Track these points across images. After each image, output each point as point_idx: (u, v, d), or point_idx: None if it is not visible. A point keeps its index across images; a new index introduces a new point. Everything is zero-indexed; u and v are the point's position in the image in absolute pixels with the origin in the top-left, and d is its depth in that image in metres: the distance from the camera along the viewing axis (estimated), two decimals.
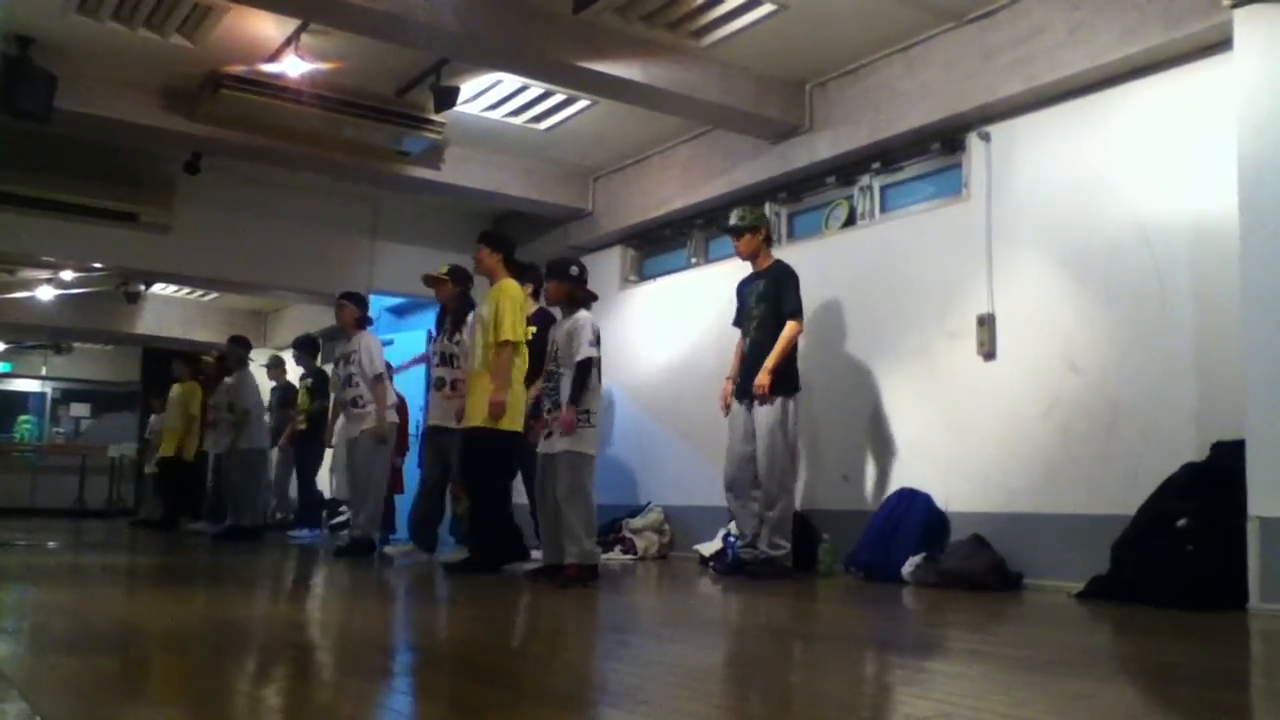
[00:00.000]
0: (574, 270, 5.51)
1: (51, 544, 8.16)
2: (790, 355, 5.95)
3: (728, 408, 6.13)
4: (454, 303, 6.61)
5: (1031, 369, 5.61)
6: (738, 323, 6.29)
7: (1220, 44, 4.77)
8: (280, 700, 2.29)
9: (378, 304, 10.67)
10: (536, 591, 4.86)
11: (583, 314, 5.39)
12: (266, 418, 9.75)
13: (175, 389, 10.84)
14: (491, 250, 5.89)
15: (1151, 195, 5.18)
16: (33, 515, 13.66)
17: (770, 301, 6.02)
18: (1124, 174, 5.31)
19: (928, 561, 5.49)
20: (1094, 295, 5.39)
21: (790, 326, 5.93)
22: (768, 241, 6.32)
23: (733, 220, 6.29)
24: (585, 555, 5.15)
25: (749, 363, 6.02)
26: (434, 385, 6.61)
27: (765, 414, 5.86)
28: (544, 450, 5.32)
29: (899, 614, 4.60)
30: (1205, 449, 4.69)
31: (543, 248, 9.46)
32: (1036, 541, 5.39)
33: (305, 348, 9.90)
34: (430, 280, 6.70)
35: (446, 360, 6.55)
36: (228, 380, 9.53)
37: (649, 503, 7.88)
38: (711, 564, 6.57)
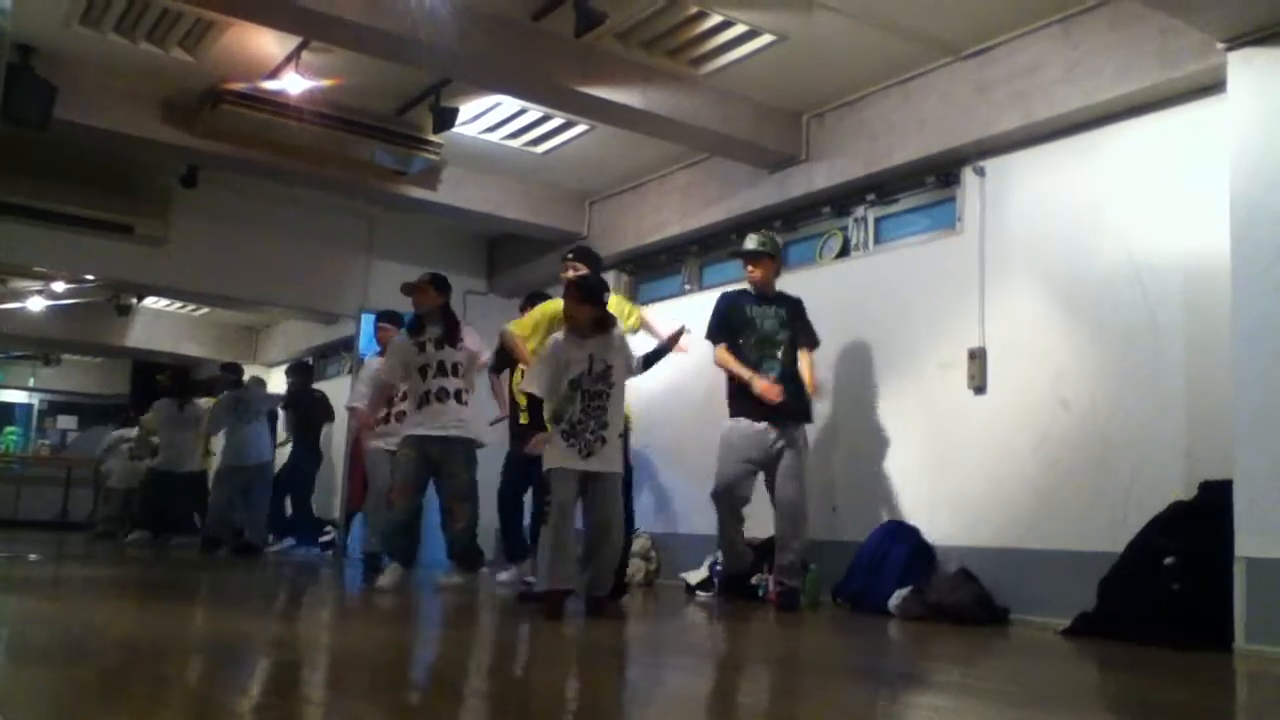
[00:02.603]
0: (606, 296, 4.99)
1: (33, 556, 8.09)
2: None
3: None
4: (441, 312, 6.14)
5: (1022, 403, 5.61)
6: (734, 340, 5.88)
7: (1214, 85, 4.81)
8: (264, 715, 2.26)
9: (370, 322, 10.66)
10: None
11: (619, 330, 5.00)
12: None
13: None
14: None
15: (1144, 232, 5.20)
16: (16, 527, 13.54)
17: (792, 330, 5.91)
18: (1118, 211, 5.34)
19: (914, 594, 5.47)
20: (1086, 331, 5.41)
21: (810, 357, 5.99)
22: (777, 273, 6.11)
23: (752, 245, 6.02)
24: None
25: (786, 385, 5.75)
26: (437, 395, 6.00)
27: (801, 441, 5.81)
28: (587, 469, 4.68)
29: (884, 645, 4.58)
30: (1194, 487, 4.69)
31: (538, 270, 9.47)
32: (1023, 576, 5.38)
33: (300, 371, 10.03)
34: (410, 288, 6.23)
35: (447, 370, 6.04)
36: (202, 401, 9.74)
37: (636, 529, 7.84)
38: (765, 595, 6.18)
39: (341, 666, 3.19)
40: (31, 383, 16.55)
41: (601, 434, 4.66)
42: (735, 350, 5.84)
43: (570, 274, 5.52)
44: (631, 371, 4.89)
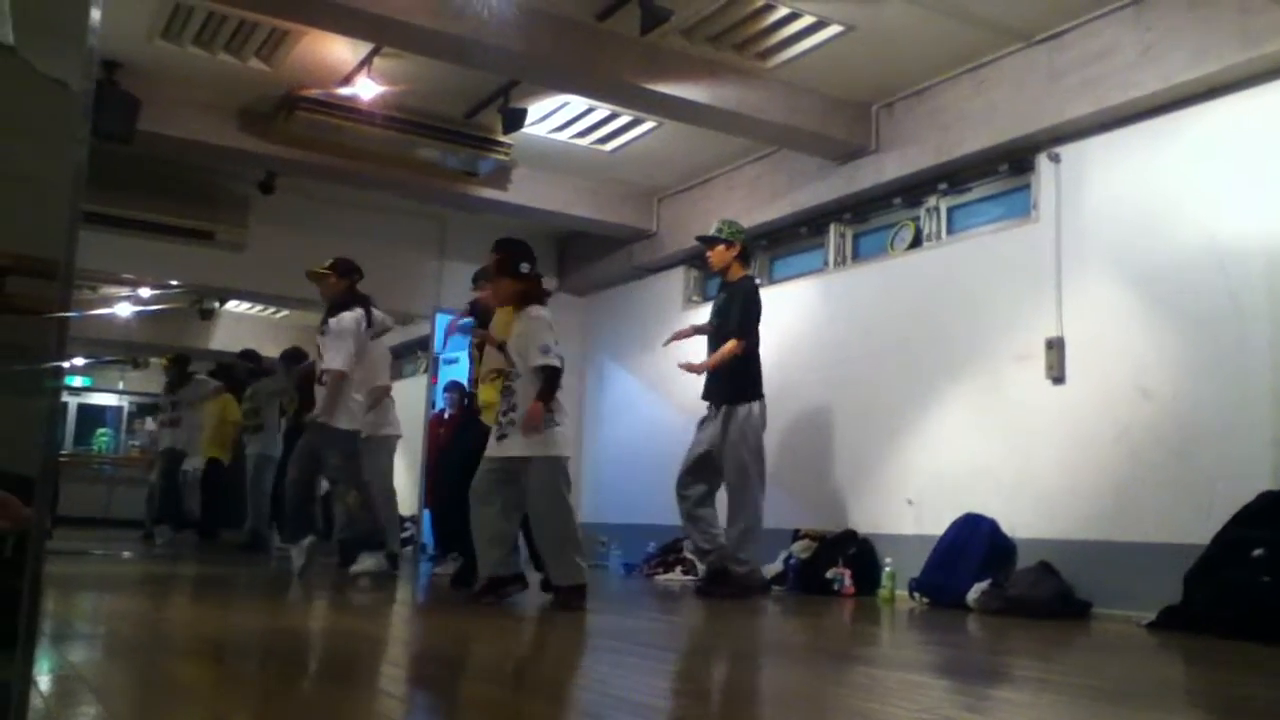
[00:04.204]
0: (524, 267, 4.88)
1: (126, 554, 8.35)
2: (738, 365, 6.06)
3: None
4: (341, 297, 6.17)
5: (1101, 394, 5.51)
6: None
7: None
8: (349, 707, 2.32)
9: (443, 322, 10.79)
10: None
11: (535, 309, 4.80)
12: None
13: (215, 400, 10.89)
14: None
15: (1225, 217, 5.08)
16: (107, 525, 13.97)
17: (724, 317, 6.17)
18: (1197, 195, 5.22)
19: (993, 588, 5.41)
20: (1166, 319, 5.29)
21: (730, 344, 6.05)
22: (743, 259, 6.31)
23: (712, 229, 6.30)
24: (577, 572, 4.68)
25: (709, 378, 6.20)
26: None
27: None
28: (499, 454, 4.68)
29: (963, 641, 4.53)
30: None
31: (607, 268, 9.53)
32: (1105, 570, 5.29)
33: (292, 359, 10.11)
34: (315, 276, 6.26)
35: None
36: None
37: None
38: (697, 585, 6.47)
39: (424, 661, 3.25)
40: (121, 386, 17.07)
41: (512, 416, 4.64)
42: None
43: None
44: (529, 355, 4.63)
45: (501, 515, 4.71)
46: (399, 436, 7.81)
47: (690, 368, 6.22)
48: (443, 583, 6.19)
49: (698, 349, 6.58)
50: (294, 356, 9.96)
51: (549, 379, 4.62)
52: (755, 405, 6.04)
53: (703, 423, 6.23)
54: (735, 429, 5.98)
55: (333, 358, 6.03)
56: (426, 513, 9.72)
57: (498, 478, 4.68)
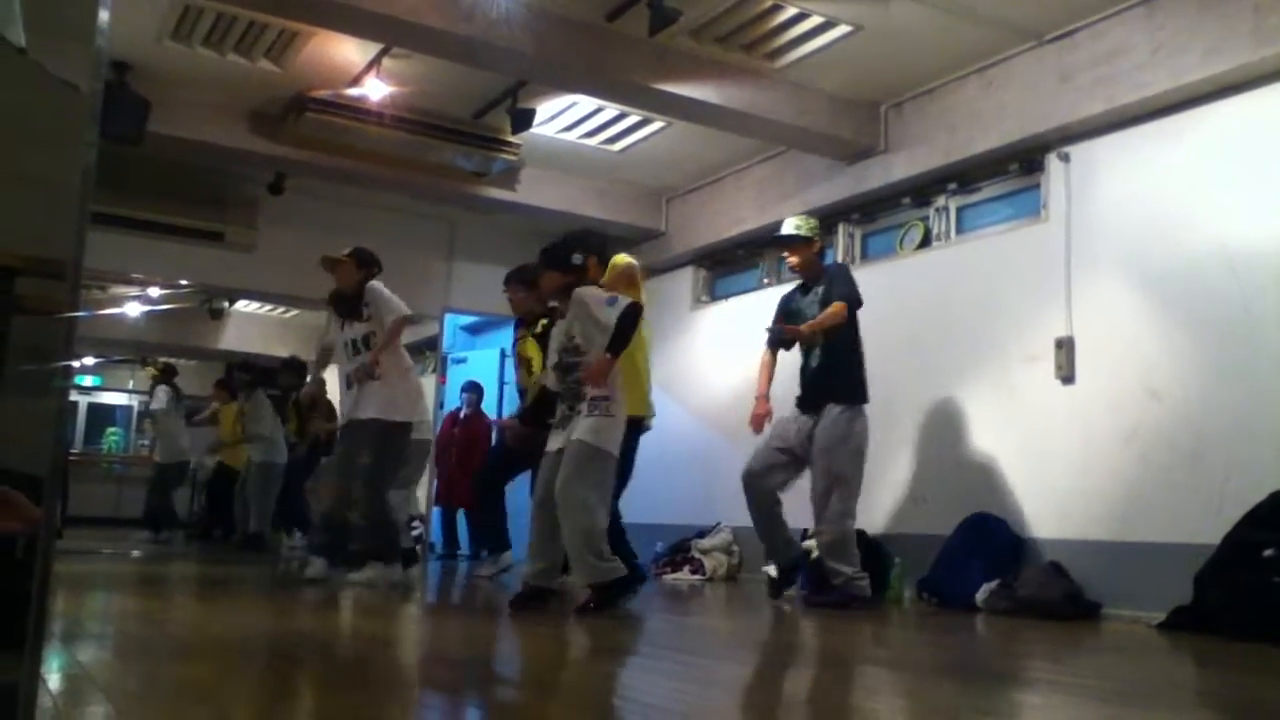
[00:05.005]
0: (577, 258, 4.66)
1: (136, 553, 8.38)
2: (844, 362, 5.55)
3: (760, 429, 5.72)
4: (358, 288, 5.82)
5: (1111, 394, 5.49)
6: (774, 343, 5.75)
7: None
8: (359, 712, 2.33)
9: (453, 323, 10.82)
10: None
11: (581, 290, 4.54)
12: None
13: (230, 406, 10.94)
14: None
15: (1237, 218, 5.05)
16: (116, 525, 14.02)
17: (827, 305, 5.54)
18: (1208, 196, 5.20)
19: (1002, 588, 5.40)
20: (1176, 320, 5.27)
21: (836, 306, 5.43)
22: (821, 255, 5.92)
23: (788, 229, 5.75)
24: (595, 572, 4.39)
25: (810, 377, 5.62)
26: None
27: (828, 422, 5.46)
28: (556, 448, 4.49)
29: (973, 641, 4.52)
30: None
31: None
32: (1115, 570, 5.27)
33: (293, 368, 10.20)
34: (330, 263, 5.93)
35: (360, 348, 5.80)
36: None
37: (718, 523, 7.85)
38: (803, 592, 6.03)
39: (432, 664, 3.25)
40: (131, 385, 17.12)
41: (579, 407, 4.39)
42: (775, 355, 5.76)
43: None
44: (605, 329, 4.33)
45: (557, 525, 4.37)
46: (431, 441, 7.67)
47: (793, 332, 5.50)
48: (483, 584, 6.18)
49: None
50: (294, 366, 10.07)
51: (625, 321, 4.27)
52: (864, 410, 5.53)
53: (788, 422, 5.63)
54: (840, 430, 5.41)
55: (396, 306, 5.62)
56: (436, 511, 9.75)
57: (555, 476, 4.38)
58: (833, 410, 5.47)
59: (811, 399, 5.58)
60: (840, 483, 5.44)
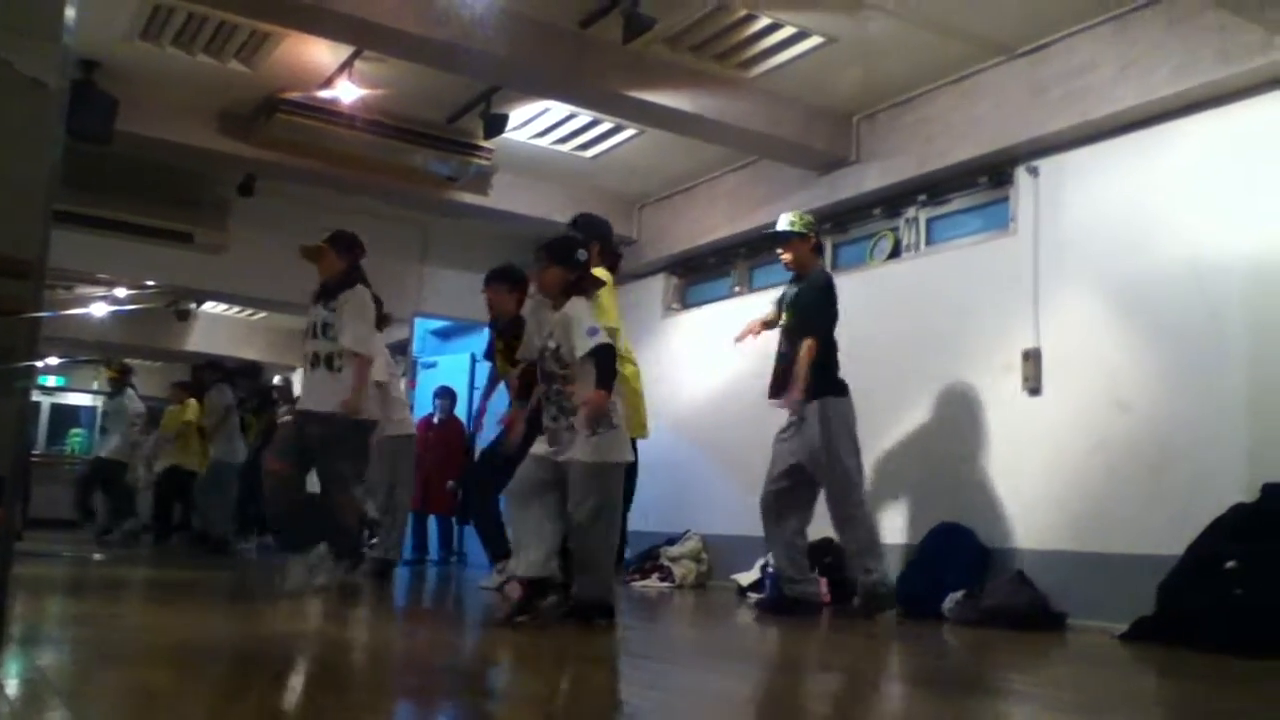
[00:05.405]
0: (582, 254, 4.44)
1: (98, 556, 8.27)
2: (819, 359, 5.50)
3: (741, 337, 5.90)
4: (341, 277, 5.52)
5: (1078, 406, 5.54)
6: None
7: (1275, 81, 4.73)
8: (323, 716, 2.30)
9: (423, 327, 10.78)
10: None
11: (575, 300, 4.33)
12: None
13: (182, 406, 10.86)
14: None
15: (1203, 232, 5.12)
16: (78, 527, 13.85)
17: (800, 312, 5.63)
18: (1175, 210, 5.26)
19: (968, 598, 5.42)
20: (1143, 332, 5.33)
21: (808, 344, 5.45)
22: (818, 250, 5.95)
23: (783, 224, 5.76)
24: (607, 591, 4.32)
25: (777, 374, 5.65)
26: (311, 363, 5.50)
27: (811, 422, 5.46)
28: (544, 454, 4.32)
29: (939, 651, 4.54)
30: (1256, 490, 4.60)
31: None
32: (1080, 580, 5.31)
33: (248, 374, 10.21)
34: (310, 253, 5.58)
35: (318, 332, 5.48)
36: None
37: (687, 531, 7.86)
38: (754, 601, 6.24)
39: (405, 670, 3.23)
40: (95, 386, 16.91)
41: (570, 421, 4.19)
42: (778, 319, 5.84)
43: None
44: (579, 345, 4.15)
45: (546, 518, 4.24)
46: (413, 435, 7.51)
47: (788, 403, 5.52)
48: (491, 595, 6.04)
49: (739, 375, 6.23)
50: (249, 371, 10.06)
51: (603, 361, 4.12)
52: (844, 399, 5.49)
53: (782, 434, 5.62)
54: (827, 429, 5.38)
55: (356, 339, 5.33)
56: (410, 515, 9.65)
57: (544, 477, 4.25)
58: (807, 412, 5.46)
59: (779, 387, 5.60)
60: (840, 481, 5.43)
